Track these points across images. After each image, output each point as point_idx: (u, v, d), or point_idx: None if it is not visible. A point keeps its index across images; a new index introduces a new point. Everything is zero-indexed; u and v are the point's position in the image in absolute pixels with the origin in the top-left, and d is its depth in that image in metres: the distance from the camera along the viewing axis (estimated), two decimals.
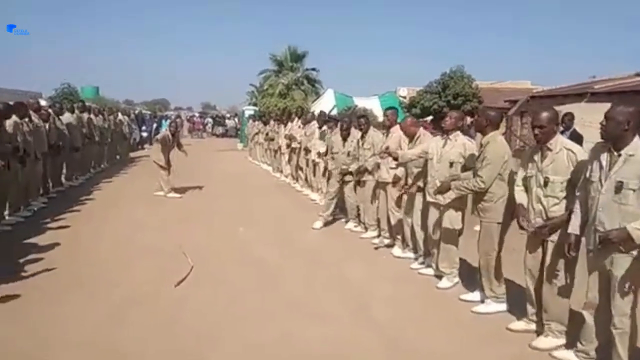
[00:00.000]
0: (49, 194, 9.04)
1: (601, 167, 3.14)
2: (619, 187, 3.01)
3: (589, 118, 8.73)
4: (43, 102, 10.04)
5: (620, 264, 3.05)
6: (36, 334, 3.74)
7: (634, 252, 2.99)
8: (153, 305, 4.36)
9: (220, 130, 35.80)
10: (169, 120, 30.13)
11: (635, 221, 2.92)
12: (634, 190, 2.96)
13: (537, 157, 3.69)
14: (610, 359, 3.15)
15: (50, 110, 9.26)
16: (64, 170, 10.22)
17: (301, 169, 10.92)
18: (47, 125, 8.64)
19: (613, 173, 3.05)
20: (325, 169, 8.64)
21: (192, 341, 3.73)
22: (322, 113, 10.05)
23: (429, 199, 5.04)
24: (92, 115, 12.59)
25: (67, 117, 10.30)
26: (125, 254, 5.86)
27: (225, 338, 3.79)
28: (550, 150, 3.60)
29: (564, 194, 3.54)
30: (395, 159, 5.41)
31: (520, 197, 3.83)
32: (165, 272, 5.18)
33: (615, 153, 3.07)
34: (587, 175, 3.25)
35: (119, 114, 17.56)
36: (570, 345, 3.54)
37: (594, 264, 3.23)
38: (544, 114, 3.61)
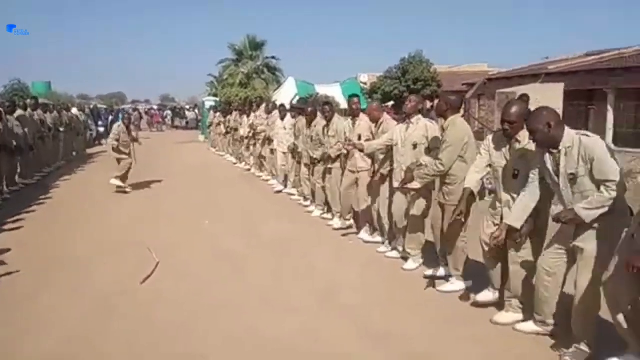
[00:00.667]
0: (3, 195, 8.70)
1: (547, 168, 3.25)
2: (573, 179, 3.12)
3: (544, 98, 9.00)
4: None
5: (585, 238, 3.13)
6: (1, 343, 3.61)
7: (596, 225, 3.08)
8: (121, 305, 4.25)
9: (182, 122, 35.19)
10: (125, 114, 29.48)
11: (582, 202, 3.04)
12: (584, 177, 3.06)
13: (504, 149, 3.73)
14: (568, 325, 3.28)
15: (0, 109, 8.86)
16: (18, 170, 9.84)
17: (264, 158, 10.87)
18: None
19: (562, 168, 3.15)
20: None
21: (166, 335, 3.68)
22: (282, 106, 9.89)
23: (395, 184, 5.11)
24: (45, 112, 12.12)
25: (19, 114, 9.88)
26: (87, 253, 5.69)
27: (200, 331, 3.75)
28: (519, 142, 3.64)
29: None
30: (361, 150, 5.43)
31: (471, 179, 3.93)
32: (130, 269, 5.07)
33: (555, 151, 3.18)
34: (544, 174, 3.33)
35: (74, 109, 16.98)
36: (528, 316, 3.65)
37: (560, 234, 3.33)
38: (514, 109, 3.58)
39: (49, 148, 12.29)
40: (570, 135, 3.14)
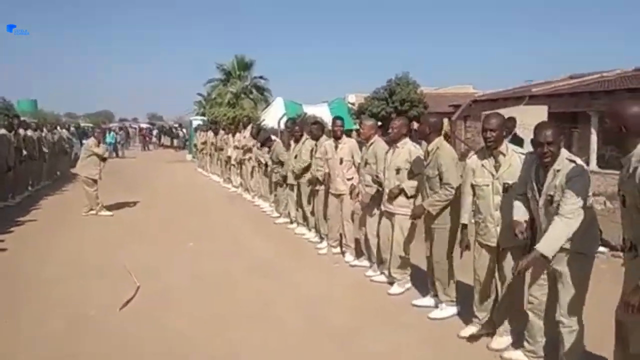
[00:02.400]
0: None
1: (532, 184, 3.23)
2: (549, 201, 3.11)
3: (527, 120, 9.08)
4: None
5: (563, 261, 3.13)
6: None
7: (568, 246, 3.07)
8: (97, 332, 4.11)
9: (174, 142, 34.93)
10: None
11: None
12: (559, 201, 3.04)
13: (488, 164, 3.68)
14: (557, 357, 3.24)
15: None
16: None
17: (251, 178, 10.78)
18: None
19: (545, 187, 3.15)
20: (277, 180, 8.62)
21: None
22: (265, 132, 9.82)
23: (382, 207, 5.07)
24: (28, 131, 11.95)
25: (0, 133, 9.71)
26: (67, 276, 5.53)
27: (181, 355, 3.64)
28: (504, 154, 3.64)
29: None
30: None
31: (465, 214, 3.86)
32: (110, 294, 4.93)
33: (544, 170, 3.16)
34: (528, 188, 3.31)
35: (58, 127, 16.80)
36: (517, 344, 3.61)
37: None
38: (494, 119, 3.62)
39: (33, 168, 12.09)
40: (562, 158, 3.11)
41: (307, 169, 7.05)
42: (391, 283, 5.10)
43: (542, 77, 19.45)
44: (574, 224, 2.95)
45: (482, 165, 3.72)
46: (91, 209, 9.13)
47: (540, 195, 3.18)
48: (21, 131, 11.28)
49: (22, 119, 12.77)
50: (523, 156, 3.54)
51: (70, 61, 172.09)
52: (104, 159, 9.33)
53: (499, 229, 3.65)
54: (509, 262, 3.64)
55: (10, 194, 10.29)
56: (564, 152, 3.15)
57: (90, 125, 31.12)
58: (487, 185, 3.69)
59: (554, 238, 2.99)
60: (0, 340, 3.88)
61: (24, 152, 11.02)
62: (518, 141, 7.80)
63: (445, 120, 16.07)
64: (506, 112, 9.89)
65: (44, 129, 14.10)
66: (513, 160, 3.60)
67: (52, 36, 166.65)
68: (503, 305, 3.76)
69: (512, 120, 8.34)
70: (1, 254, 6.44)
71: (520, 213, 3.35)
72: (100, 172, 9.23)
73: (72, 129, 20.71)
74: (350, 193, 5.90)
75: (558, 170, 3.09)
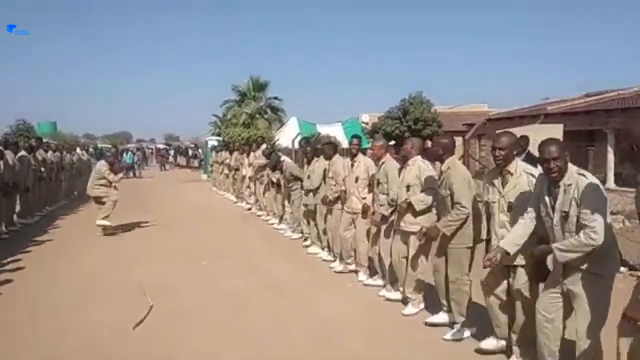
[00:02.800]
0: (1, 235, 8.64)
1: (545, 201, 3.22)
2: (564, 217, 3.09)
3: (544, 138, 9.02)
4: None
5: (580, 283, 3.08)
6: None
7: (583, 267, 3.04)
8: (110, 353, 4.12)
9: (194, 162, 35.20)
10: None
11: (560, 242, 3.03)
12: (575, 216, 3.04)
13: (497, 182, 3.71)
14: None
15: (2, 148, 8.89)
16: (17, 209, 9.82)
17: (264, 197, 10.83)
18: (0, 164, 8.29)
19: (558, 204, 3.13)
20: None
21: None
22: (276, 155, 9.86)
23: (394, 226, 5.05)
24: (48, 153, 12.21)
25: (20, 155, 9.92)
26: (82, 295, 5.57)
27: None
28: (512, 174, 3.64)
29: None
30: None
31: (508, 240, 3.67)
32: (124, 313, 4.94)
33: (554, 186, 3.15)
34: (540, 206, 3.30)
35: (77, 149, 17.13)
36: None
37: (554, 279, 3.28)
38: (504, 138, 3.67)
39: (50, 188, 12.31)
40: (571, 172, 3.11)
41: (317, 189, 7.13)
42: (404, 301, 5.05)
43: (558, 95, 19.34)
44: (599, 239, 2.91)
45: (493, 184, 3.74)
46: (105, 217, 9.00)
47: (554, 212, 3.15)
48: (41, 153, 11.53)
49: (43, 140, 13.05)
50: (532, 177, 3.55)
51: (88, 84, 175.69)
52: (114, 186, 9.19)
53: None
54: (518, 281, 3.62)
55: (28, 213, 10.47)
56: (573, 167, 3.14)
57: (109, 146, 31.66)
58: (495, 203, 3.71)
59: (569, 248, 2.99)
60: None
61: (43, 173, 11.24)
62: (532, 159, 7.73)
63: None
64: (521, 130, 9.85)
65: (64, 151, 14.38)
66: (520, 180, 3.61)
67: (70, 59, 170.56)
68: (517, 326, 3.69)
69: (525, 138, 8.27)
70: (18, 274, 6.52)
71: (516, 234, 3.44)
72: (112, 194, 9.08)
73: (90, 149, 21.06)
74: (364, 212, 5.90)
75: (569, 185, 3.08)
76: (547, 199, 3.22)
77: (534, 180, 3.54)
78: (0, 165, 8.25)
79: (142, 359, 3.97)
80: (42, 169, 11.29)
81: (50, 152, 12.36)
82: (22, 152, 10.06)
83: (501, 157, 3.62)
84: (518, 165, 3.68)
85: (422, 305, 4.92)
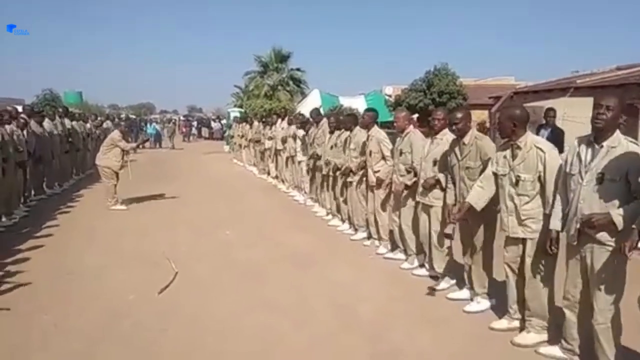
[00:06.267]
0: (30, 203, 8.89)
1: (580, 160, 3.13)
2: (599, 179, 3.00)
3: (572, 112, 8.78)
4: (20, 109, 9.74)
5: (597, 256, 3.04)
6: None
7: (610, 244, 2.98)
8: (136, 316, 4.25)
9: (210, 133, 35.40)
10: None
11: (618, 209, 2.91)
12: (615, 181, 2.95)
13: (507, 156, 3.69)
14: (594, 355, 3.14)
15: (26, 117, 9.03)
16: (45, 178, 10.05)
17: (287, 169, 10.86)
18: (24, 133, 8.46)
19: (594, 165, 3.04)
20: (309, 169, 8.68)
21: (180, 348, 3.65)
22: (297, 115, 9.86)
23: (417, 198, 5.03)
24: (74, 122, 12.40)
25: (46, 124, 10.10)
26: (108, 262, 5.74)
27: (214, 344, 3.72)
28: (520, 148, 3.60)
29: (534, 192, 3.54)
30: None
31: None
32: (149, 279, 5.08)
33: (597, 146, 3.06)
34: (567, 169, 3.23)
35: (107, 120, 17.34)
36: (554, 340, 3.52)
37: (572, 257, 3.24)
38: (503, 111, 3.76)
39: (77, 157, 12.55)
40: (618, 137, 3.03)
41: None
42: (433, 277, 5.04)
43: (588, 68, 18.71)
44: None
45: (504, 156, 3.71)
46: (115, 204, 8.95)
47: (586, 172, 3.06)
48: (67, 121, 11.70)
49: (69, 110, 13.24)
50: (542, 152, 3.49)
51: (114, 55, 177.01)
52: (127, 153, 9.16)
53: (512, 218, 3.64)
54: (529, 254, 3.59)
55: (56, 182, 10.72)
56: (620, 134, 3.04)
57: (134, 116, 31.96)
58: (504, 175, 3.69)
59: (629, 213, 2.85)
60: (40, 330, 4.05)
61: (70, 142, 11.44)
62: (558, 133, 7.56)
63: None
64: (549, 103, 9.60)
65: (89, 120, 14.59)
66: (529, 154, 3.55)
67: (99, 32, 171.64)
68: (530, 298, 3.67)
69: (552, 111, 8.07)
70: (46, 240, 6.73)
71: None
72: (123, 166, 9.02)
73: (116, 120, 21.33)
74: (377, 185, 5.91)
75: (613, 147, 2.99)
76: (581, 159, 3.11)
77: (543, 155, 3.49)
78: (24, 135, 8.37)
79: (168, 320, 4.07)
80: (70, 139, 11.50)
81: (75, 122, 12.54)
82: (46, 122, 10.20)
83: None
84: (528, 140, 3.60)
85: (452, 281, 4.84)
